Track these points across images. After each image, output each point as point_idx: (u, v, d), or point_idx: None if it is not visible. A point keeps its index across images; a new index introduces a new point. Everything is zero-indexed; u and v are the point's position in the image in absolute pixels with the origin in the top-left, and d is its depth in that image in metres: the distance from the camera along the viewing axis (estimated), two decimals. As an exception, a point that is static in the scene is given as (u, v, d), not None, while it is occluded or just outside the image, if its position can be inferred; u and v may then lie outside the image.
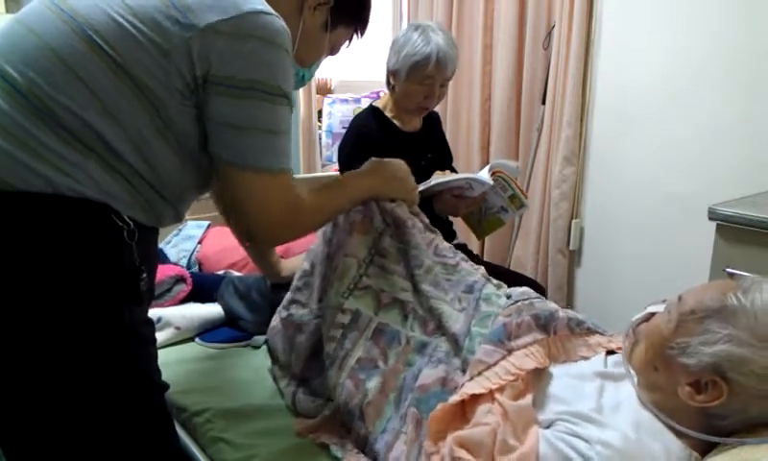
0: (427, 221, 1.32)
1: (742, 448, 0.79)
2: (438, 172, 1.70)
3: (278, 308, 1.32)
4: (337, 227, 1.24)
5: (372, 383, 1.05)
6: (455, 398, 0.94)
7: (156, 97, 0.86)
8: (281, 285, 1.43)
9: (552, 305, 1.15)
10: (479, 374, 0.97)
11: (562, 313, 1.08)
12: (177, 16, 0.86)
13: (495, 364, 0.98)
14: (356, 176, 1.22)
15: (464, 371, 1.05)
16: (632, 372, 0.93)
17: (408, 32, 1.74)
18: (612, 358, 1.02)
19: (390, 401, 1.04)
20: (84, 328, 0.84)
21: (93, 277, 0.84)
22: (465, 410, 0.95)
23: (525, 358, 0.98)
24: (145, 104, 0.86)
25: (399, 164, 1.27)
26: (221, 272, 1.76)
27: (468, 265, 1.29)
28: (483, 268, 1.32)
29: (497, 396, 0.92)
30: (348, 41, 1.17)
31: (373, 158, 1.26)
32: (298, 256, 1.59)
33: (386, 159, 1.27)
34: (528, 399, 0.92)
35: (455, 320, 1.13)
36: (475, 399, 0.94)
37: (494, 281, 1.30)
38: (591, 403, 0.89)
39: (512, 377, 0.94)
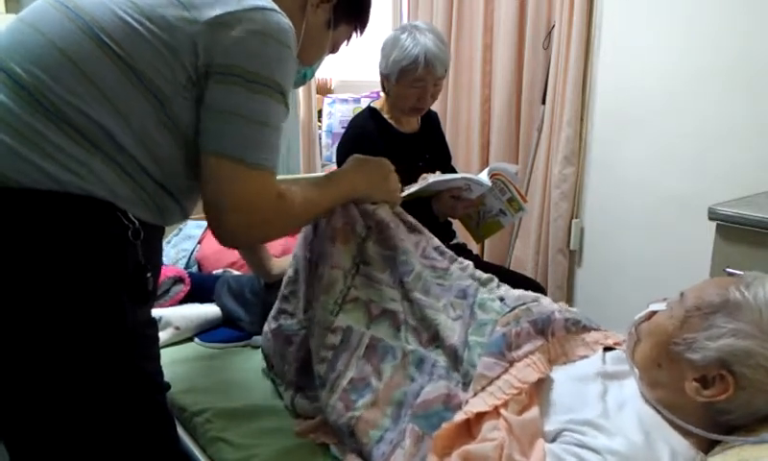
0: (412, 220, 1.28)
1: (743, 448, 0.79)
2: (424, 175, 1.67)
3: (269, 317, 1.30)
4: (318, 231, 1.20)
5: (361, 403, 1.03)
6: (460, 416, 0.93)
7: (161, 93, 0.86)
8: (275, 284, 1.42)
9: (548, 306, 1.14)
10: (482, 389, 0.96)
11: (558, 314, 1.08)
12: (181, 12, 0.86)
13: (498, 378, 0.97)
14: (340, 175, 1.20)
15: (465, 384, 1.04)
16: (635, 370, 0.93)
17: (395, 34, 1.73)
18: (609, 355, 1.02)
19: (387, 415, 1.02)
20: (87, 327, 0.83)
21: (97, 275, 0.84)
22: (470, 427, 0.94)
23: (527, 369, 0.97)
24: (151, 99, 0.86)
25: (382, 163, 1.23)
26: (219, 271, 1.76)
27: (457, 267, 1.26)
28: (471, 263, 1.29)
29: (502, 411, 0.91)
30: (347, 39, 1.17)
31: (355, 155, 1.23)
32: (288, 256, 1.58)
33: (368, 157, 1.23)
34: (533, 411, 0.91)
35: (451, 330, 1.10)
36: (480, 416, 0.93)
37: (484, 275, 1.28)
38: (597, 408, 0.88)
39: (515, 391, 0.94)
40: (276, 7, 0.91)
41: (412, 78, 1.69)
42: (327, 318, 1.11)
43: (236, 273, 1.73)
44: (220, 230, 0.93)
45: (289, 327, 1.23)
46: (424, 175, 1.65)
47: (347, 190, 1.17)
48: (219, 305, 1.55)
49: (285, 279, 1.29)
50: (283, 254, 1.68)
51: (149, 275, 0.89)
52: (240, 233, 0.95)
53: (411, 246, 1.21)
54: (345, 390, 1.05)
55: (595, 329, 1.09)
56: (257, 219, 0.94)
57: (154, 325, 0.97)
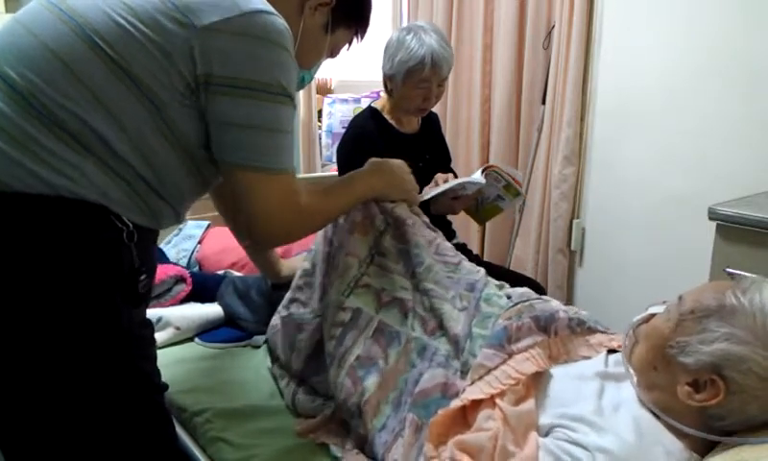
0: (428, 220, 1.32)
1: (742, 448, 0.79)
2: (440, 175, 1.70)
3: (279, 307, 1.32)
4: (338, 226, 1.24)
5: (370, 381, 1.05)
6: (456, 403, 0.94)
7: (156, 98, 0.86)
8: (281, 285, 1.43)
9: (553, 305, 1.15)
10: (480, 378, 0.97)
11: (562, 313, 1.08)
12: (177, 16, 0.85)
13: (496, 368, 0.98)
14: (357, 177, 1.21)
15: (464, 373, 1.05)
16: (631, 372, 0.93)
17: (400, 35, 1.72)
18: (612, 357, 1.02)
19: (388, 401, 1.04)
20: (83, 330, 0.83)
21: (92, 278, 0.84)
22: (466, 415, 0.94)
23: (526, 362, 0.98)
24: (146, 104, 0.86)
25: (400, 164, 1.27)
26: (221, 272, 1.76)
27: (469, 265, 1.28)
28: (483, 270, 1.31)
29: (498, 401, 0.92)
30: (348, 44, 1.17)
31: (374, 158, 1.26)
32: (297, 257, 1.59)
33: (387, 159, 1.27)
34: (529, 403, 0.91)
35: (456, 320, 1.12)
36: (476, 404, 0.93)
37: (496, 282, 1.30)
38: (591, 405, 0.88)
39: (512, 382, 0.94)
40: (271, 9, 0.91)
41: (418, 79, 1.70)
42: (339, 298, 1.16)
43: (238, 274, 1.74)
44: (253, 235, 1.00)
45: (300, 315, 1.26)
46: (440, 174, 1.69)
47: (364, 191, 1.21)
48: (222, 305, 1.55)
49: (300, 272, 1.32)
50: (284, 254, 1.68)
51: (143, 276, 0.89)
52: (271, 235, 1.02)
53: (425, 242, 1.25)
54: (352, 366, 1.07)
55: (601, 332, 1.09)
56: (285, 220, 0.99)
57: (149, 325, 0.98)
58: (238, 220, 1.00)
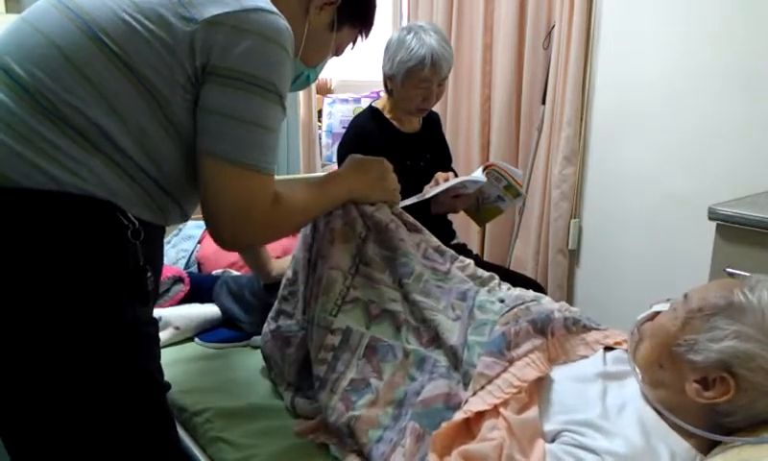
0: (411, 220, 1.28)
1: (743, 448, 0.79)
2: (440, 173, 1.71)
3: (268, 317, 1.30)
4: (317, 233, 1.20)
5: (363, 401, 1.03)
6: (459, 415, 0.93)
7: (160, 94, 0.86)
8: (273, 285, 1.41)
9: (547, 305, 1.14)
10: (482, 388, 0.96)
11: (557, 313, 1.08)
12: (180, 11, 0.86)
13: (497, 377, 0.97)
14: (336, 177, 1.19)
15: (465, 384, 1.03)
16: (637, 370, 0.93)
17: (400, 35, 1.73)
18: (610, 355, 1.02)
19: (387, 413, 1.02)
20: (87, 327, 0.83)
21: (96, 274, 0.84)
22: (470, 426, 0.94)
23: (526, 368, 0.97)
24: (149, 100, 0.86)
25: (380, 163, 1.22)
26: (218, 271, 1.76)
27: (457, 267, 1.26)
28: (472, 262, 1.29)
29: (501, 410, 0.91)
30: (352, 43, 1.17)
31: (353, 155, 1.22)
32: (287, 257, 1.58)
33: (366, 157, 1.23)
34: (533, 411, 0.91)
35: (451, 331, 1.10)
36: (480, 415, 0.93)
37: (486, 274, 1.28)
38: (597, 409, 0.88)
39: (515, 390, 0.93)
40: (273, 9, 0.91)
41: (418, 78, 1.70)
42: (327, 319, 1.12)
43: (236, 273, 1.73)
44: (216, 231, 0.94)
45: (288, 328, 1.23)
46: (440, 173, 1.69)
47: (342, 192, 1.17)
48: (218, 306, 1.55)
49: (284, 281, 1.28)
50: (284, 254, 1.67)
51: (149, 274, 0.89)
52: (236, 235, 0.95)
53: (412, 247, 1.21)
54: (345, 390, 1.05)
55: (596, 329, 1.09)
56: (253, 221, 0.94)
57: (154, 324, 0.97)
58: (209, 219, 0.94)
